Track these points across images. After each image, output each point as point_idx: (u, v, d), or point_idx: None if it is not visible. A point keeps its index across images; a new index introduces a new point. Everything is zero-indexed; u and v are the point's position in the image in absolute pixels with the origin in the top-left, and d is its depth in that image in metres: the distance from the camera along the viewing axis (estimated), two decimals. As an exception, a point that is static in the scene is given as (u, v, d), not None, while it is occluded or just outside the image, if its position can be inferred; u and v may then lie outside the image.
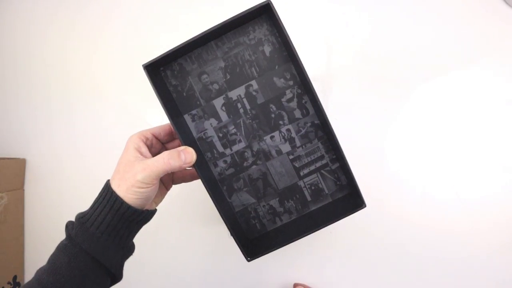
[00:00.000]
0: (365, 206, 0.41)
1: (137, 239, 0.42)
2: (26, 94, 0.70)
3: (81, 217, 0.37)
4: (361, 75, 0.60)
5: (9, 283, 0.61)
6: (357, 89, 0.60)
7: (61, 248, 0.36)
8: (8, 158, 0.66)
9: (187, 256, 0.64)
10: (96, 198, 0.38)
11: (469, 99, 0.58)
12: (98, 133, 0.68)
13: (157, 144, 0.42)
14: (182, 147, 0.38)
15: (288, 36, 0.38)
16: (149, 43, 0.66)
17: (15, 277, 0.63)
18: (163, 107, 0.39)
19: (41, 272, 0.36)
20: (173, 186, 0.45)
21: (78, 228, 0.36)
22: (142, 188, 0.36)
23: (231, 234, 0.41)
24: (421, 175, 0.58)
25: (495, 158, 0.57)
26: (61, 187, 0.68)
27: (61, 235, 0.37)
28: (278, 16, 0.38)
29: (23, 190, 0.67)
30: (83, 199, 0.40)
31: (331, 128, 0.40)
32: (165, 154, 0.37)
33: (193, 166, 0.39)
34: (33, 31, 0.70)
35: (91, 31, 0.68)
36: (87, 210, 0.38)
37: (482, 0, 0.58)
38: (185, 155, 0.38)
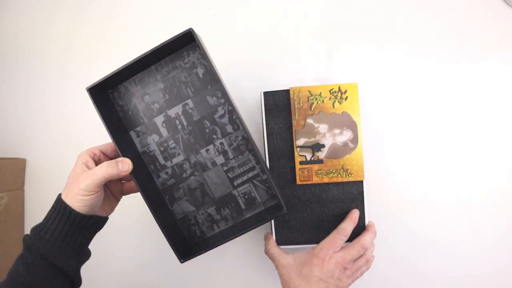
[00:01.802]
0: (285, 212, 0.43)
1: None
2: (26, 93, 0.70)
3: (35, 228, 0.42)
4: (361, 73, 0.61)
5: (9, 283, 0.66)
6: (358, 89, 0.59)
7: (19, 259, 0.40)
8: (8, 158, 0.66)
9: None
10: (49, 211, 0.43)
11: (468, 98, 0.58)
12: (98, 133, 0.69)
13: (104, 159, 0.47)
14: (120, 158, 0.43)
15: (210, 62, 0.42)
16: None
17: (15, 278, 0.67)
18: (104, 125, 0.44)
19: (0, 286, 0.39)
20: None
21: (33, 238, 0.40)
22: (86, 195, 0.41)
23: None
24: (422, 177, 0.59)
25: (497, 159, 0.57)
26: (61, 187, 0.70)
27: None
28: (200, 43, 0.42)
29: (23, 190, 0.68)
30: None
31: (254, 143, 0.44)
32: (104, 164, 0.42)
33: (130, 175, 0.44)
34: (34, 30, 0.70)
35: (93, 31, 0.68)
36: (40, 222, 0.42)
37: (482, 0, 0.58)
38: (122, 165, 0.42)
